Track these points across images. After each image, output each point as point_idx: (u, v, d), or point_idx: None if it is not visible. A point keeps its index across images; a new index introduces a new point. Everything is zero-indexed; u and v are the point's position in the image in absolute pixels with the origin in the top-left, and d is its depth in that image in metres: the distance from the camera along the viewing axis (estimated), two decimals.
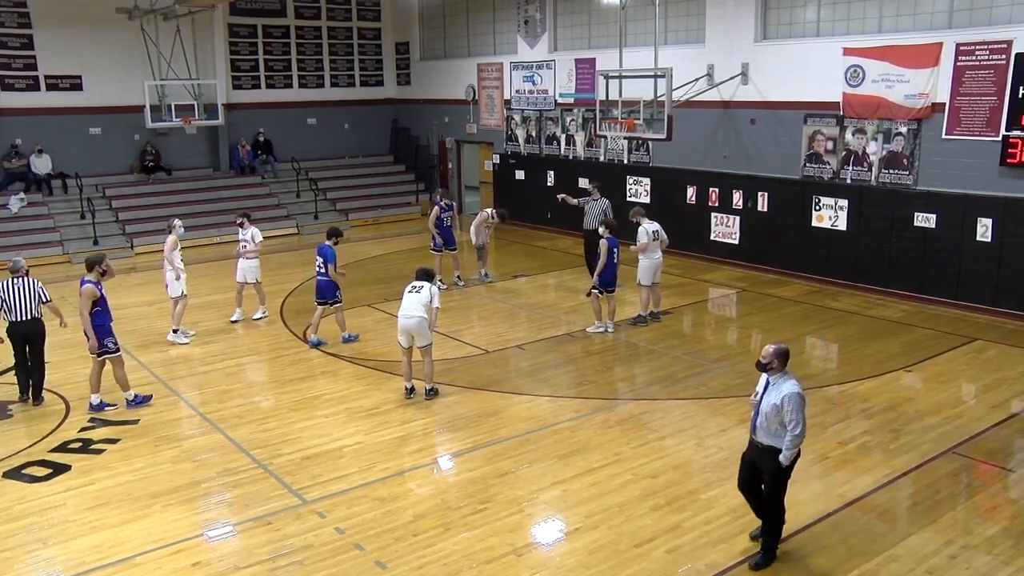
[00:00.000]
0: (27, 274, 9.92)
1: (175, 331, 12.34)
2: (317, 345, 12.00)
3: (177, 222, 12.63)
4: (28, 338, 9.81)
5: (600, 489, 7.73)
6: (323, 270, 11.89)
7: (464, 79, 22.46)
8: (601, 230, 12.28)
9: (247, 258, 12.99)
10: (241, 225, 13.16)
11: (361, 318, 13.30)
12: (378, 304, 13.49)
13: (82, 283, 9.56)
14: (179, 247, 12.33)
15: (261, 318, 13.36)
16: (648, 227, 12.65)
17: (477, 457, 8.46)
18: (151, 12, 19.28)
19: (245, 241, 13.00)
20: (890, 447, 8.52)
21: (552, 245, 18.93)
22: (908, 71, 13.50)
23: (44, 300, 9.87)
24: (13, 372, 10.12)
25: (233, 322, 13.20)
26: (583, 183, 18.18)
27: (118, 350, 9.83)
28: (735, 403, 9.72)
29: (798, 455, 6.33)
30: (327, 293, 11.98)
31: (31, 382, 9.91)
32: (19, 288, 9.73)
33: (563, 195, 15.64)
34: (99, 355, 9.68)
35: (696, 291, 14.95)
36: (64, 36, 20.00)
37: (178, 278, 12.16)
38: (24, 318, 9.74)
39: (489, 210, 15.96)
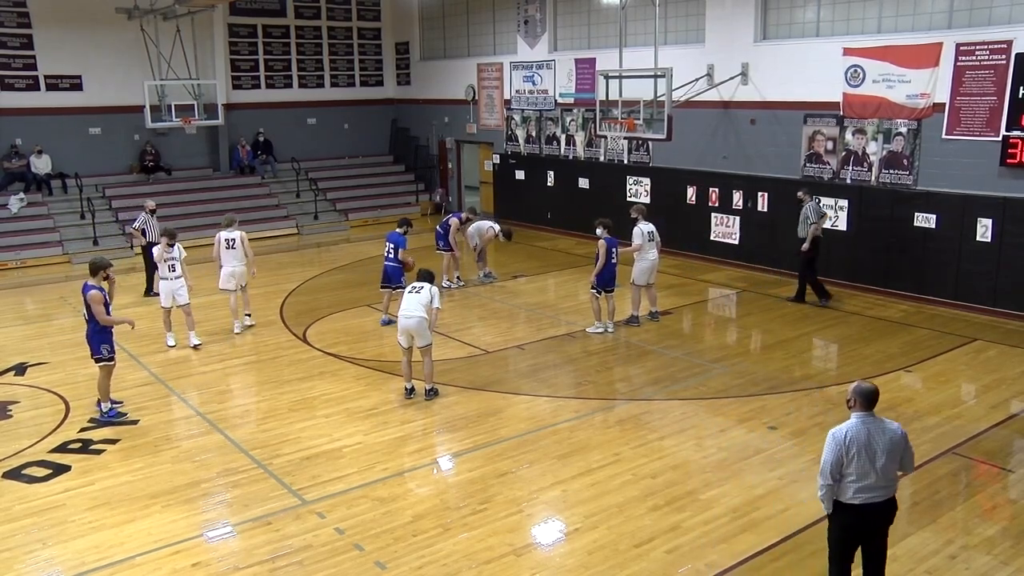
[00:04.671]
0: (154, 212, 15.12)
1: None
2: (388, 323, 12.71)
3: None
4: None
5: (599, 489, 7.73)
6: (391, 255, 12.69)
7: (464, 79, 22.46)
8: (599, 231, 12.28)
9: (175, 279, 11.94)
10: (171, 245, 11.96)
11: (361, 318, 13.31)
12: (378, 304, 13.46)
13: (86, 288, 9.20)
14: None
15: (173, 347, 12.16)
16: (644, 227, 12.66)
17: (477, 457, 8.46)
18: (151, 12, 19.29)
19: (173, 259, 11.87)
20: None
21: (552, 245, 18.94)
22: (908, 71, 13.50)
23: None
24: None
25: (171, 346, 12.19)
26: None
27: (112, 359, 9.45)
28: (734, 403, 9.72)
29: (841, 508, 5.52)
30: (393, 278, 12.77)
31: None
32: (151, 223, 14.82)
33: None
34: (95, 360, 9.43)
35: (696, 291, 14.95)
36: (64, 36, 20.00)
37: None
38: (151, 240, 14.30)
39: (496, 228, 15.58)
